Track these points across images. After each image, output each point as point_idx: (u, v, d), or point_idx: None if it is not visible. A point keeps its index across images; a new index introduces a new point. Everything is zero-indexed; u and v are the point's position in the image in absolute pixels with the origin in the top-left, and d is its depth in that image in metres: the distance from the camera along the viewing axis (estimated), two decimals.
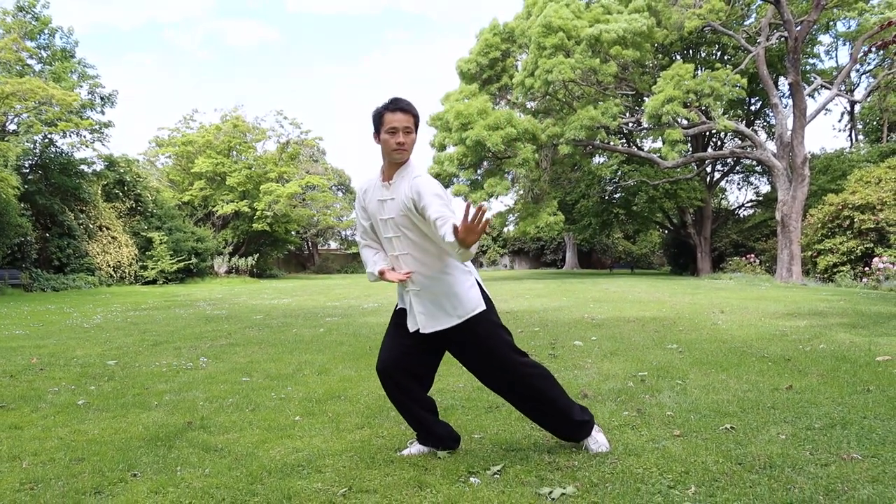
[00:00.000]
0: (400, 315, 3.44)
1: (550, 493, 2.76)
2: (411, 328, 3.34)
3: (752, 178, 38.22)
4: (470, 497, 2.73)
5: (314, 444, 3.52)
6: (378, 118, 3.27)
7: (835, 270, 20.88)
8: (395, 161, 3.28)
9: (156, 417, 4.14)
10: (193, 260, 27.63)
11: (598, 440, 3.35)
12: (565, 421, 3.31)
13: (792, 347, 6.73)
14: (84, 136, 25.17)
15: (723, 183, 37.45)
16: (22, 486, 2.93)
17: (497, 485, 2.88)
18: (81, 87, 26.30)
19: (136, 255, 26.00)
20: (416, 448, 3.37)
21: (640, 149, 31.32)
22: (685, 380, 5.12)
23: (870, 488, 2.75)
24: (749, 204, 38.46)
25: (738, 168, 35.25)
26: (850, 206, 20.56)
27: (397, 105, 3.25)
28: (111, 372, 5.81)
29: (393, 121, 3.22)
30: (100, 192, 26.01)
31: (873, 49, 8.98)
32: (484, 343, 3.25)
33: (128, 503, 2.72)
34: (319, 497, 2.75)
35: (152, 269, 25.98)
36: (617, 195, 33.61)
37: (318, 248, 52.74)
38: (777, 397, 4.46)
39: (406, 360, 3.37)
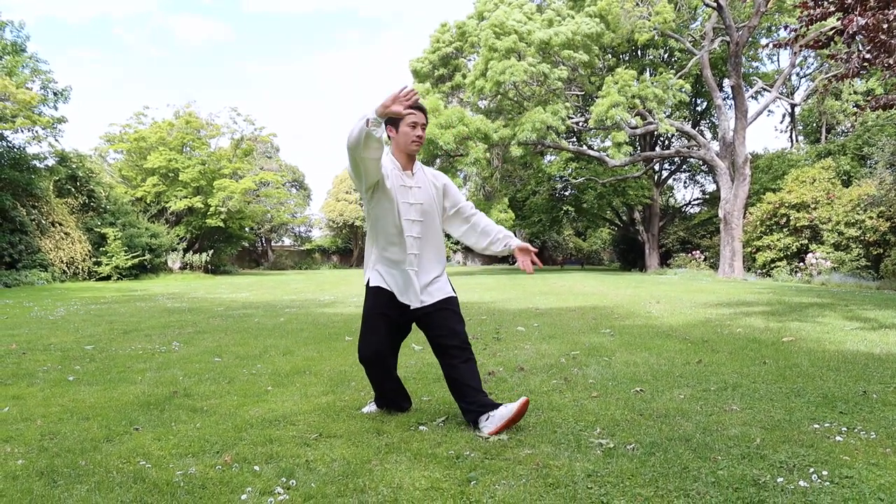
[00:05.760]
0: (382, 303, 3.74)
1: (487, 436, 3.38)
2: (412, 304, 3.71)
3: (698, 177, 39.50)
4: (419, 438, 3.36)
5: (286, 406, 4.11)
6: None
7: (772, 266, 21.96)
8: (411, 152, 3.73)
9: (143, 389, 4.66)
10: (148, 256, 27.69)
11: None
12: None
13: (712, 331, 7.49)
14: (37, 132, 25.09)
15: (670, 181, 38.62)
16: (43, 437, 3.46)
17: (441, 430, 3.52)
18: (33, 82, 26.12)
19: (89, 251, 25.99)
20: (373, 407, 3.97)
21: (590, 147, 32.26)
22: (612, 357, 5.81)
23: (738, 429, 3.44)
24: (696, 202, 39.73)
25: (684, 167, 36.42)
26: (787, 204, 21.65)
27: (417, 104, 3.59)
28: (91, 355, 6.28)
29: (415, 116, 3.65)
30: (52, 187, 25.92)
31: (772, 47, 9.86)
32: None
33: (137, 446, 3.27)
34: (295, 440, 3.35)
35: (106, 264, 26.00)
36: (567, 192, 34.48)
37: (273, 244, 52.84)
38: (686, 369, 5.17)
39: (391, 344, 3.85)
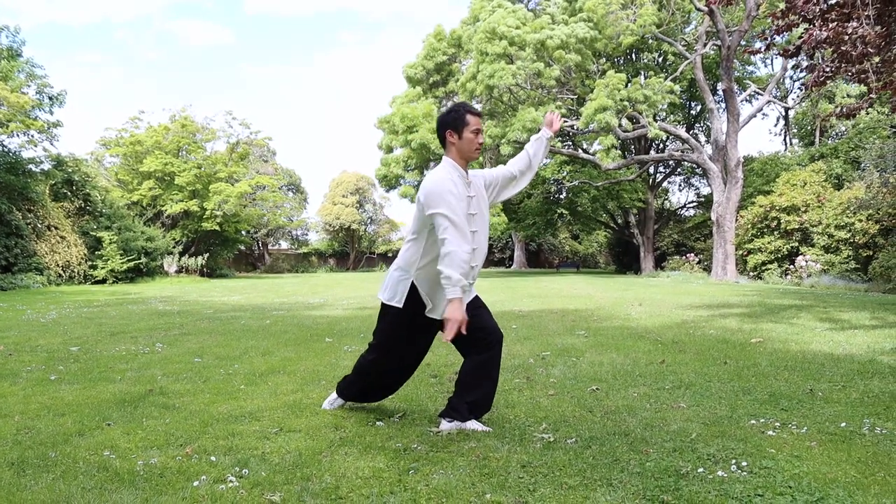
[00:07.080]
0: (417, 320, 3.64)
1: (438, 431, 3.56)
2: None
3: (692, 180, 39.63)
4: (373, 433, 3.54)
5: (255, 403, 4.29)
6: (461, 119, 3.57)
7: (763, 268, 22.15)
8: (471, 159, 3.62)
9: (121, 387, 4.84)
10: (143, 259, 27.84)
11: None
12: None
13: (684, 332, 7.68)
14: (32, 136, 25.24)
15: (665, 184, 38.78)
16: (18, 432, 3.64)
17: (397, 425, 3.70)
18: (29, 86, 26.25)
19: (85, 254, 26.15)
20: (337, 402, 4.14)
21: (585, 151, 32.44)
22: (580, 357, 5.99)
23: (679, 424, 3.63)
24: (690, 205, 39.92)
25: (679, 170, 36.56)
26: (777, 207, 21.83)
27: (476, 110, 3.61)
28: (75, 356, 6.46)
29: (477, 123, 3.58)
30: (48, 191, 26.07)
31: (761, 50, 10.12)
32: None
33: (106, 440, 3.45)
34: (256, 434, 3.53)
35: (102, 268, 26.15)
36: (561, 195, 34.63)
37: (269, 247, 53.00)
38: (648, 369, 5.35)
39: (419, 361, 3.94)
